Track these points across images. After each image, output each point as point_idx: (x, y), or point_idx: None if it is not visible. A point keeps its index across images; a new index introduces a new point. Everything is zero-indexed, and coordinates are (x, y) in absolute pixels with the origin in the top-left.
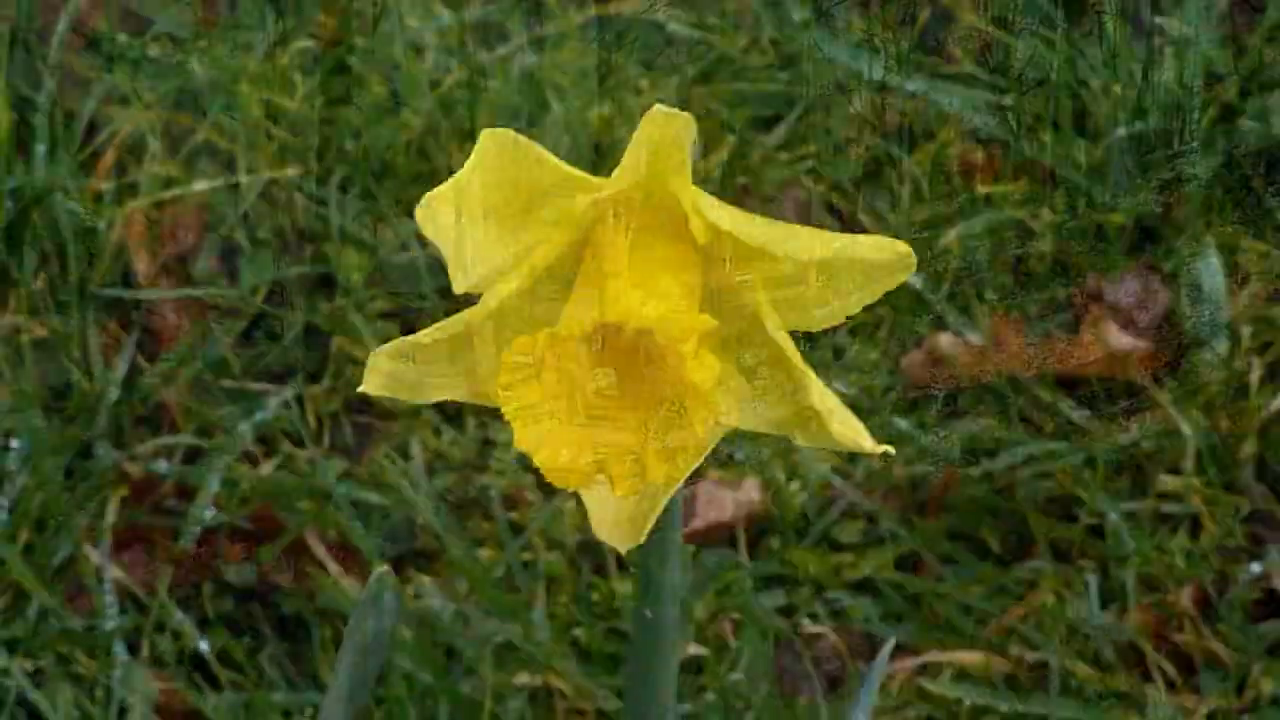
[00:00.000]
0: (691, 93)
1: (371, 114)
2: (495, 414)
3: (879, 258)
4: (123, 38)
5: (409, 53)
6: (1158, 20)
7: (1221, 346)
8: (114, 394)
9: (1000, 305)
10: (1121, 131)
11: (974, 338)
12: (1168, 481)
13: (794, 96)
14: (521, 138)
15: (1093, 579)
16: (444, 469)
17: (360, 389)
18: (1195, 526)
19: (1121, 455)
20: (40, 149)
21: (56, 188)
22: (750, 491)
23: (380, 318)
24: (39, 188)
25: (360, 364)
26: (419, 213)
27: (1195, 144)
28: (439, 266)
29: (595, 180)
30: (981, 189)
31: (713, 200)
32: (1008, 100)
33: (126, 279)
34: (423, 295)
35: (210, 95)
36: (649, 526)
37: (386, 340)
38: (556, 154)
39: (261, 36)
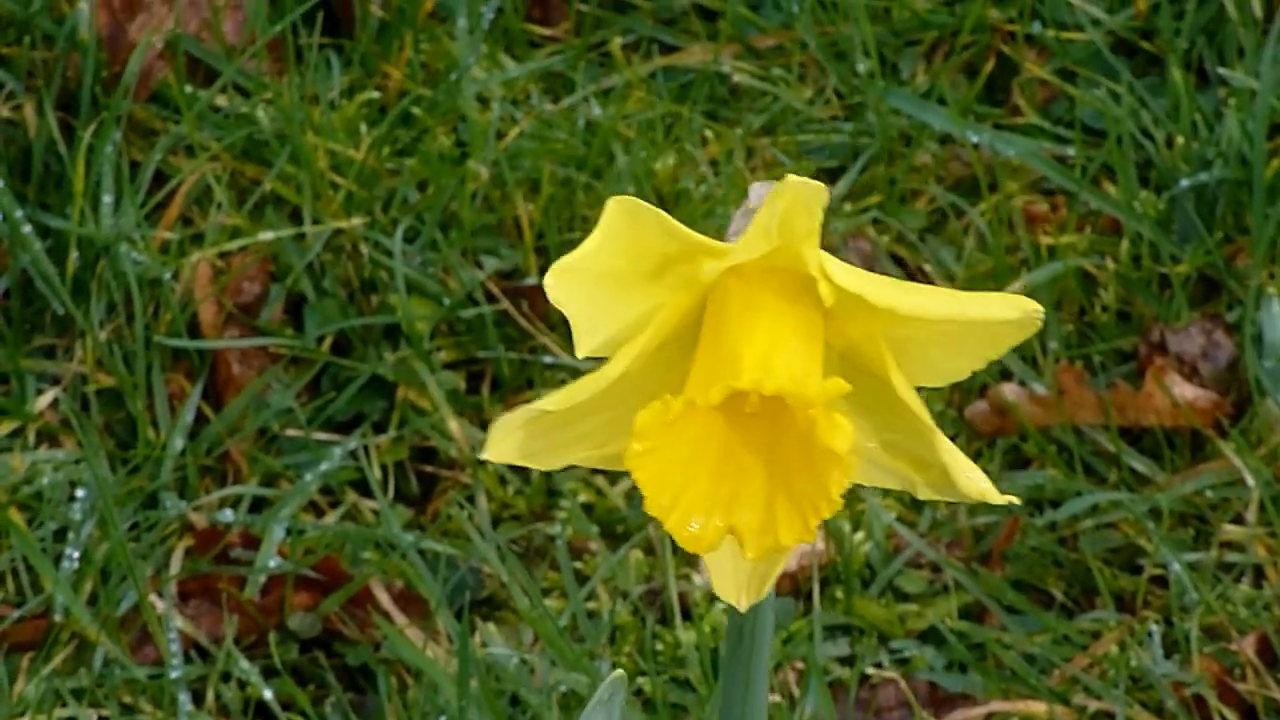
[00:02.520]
0: (756, 143)
1: (437, 164)
2: (569, 470)
3: (1007, 316)
4: (189, 88)
5: (475, 103)
6: (1222, 71)
7: None
8: (179, 444)
9: (1065, 355)
10: (1186, 182)
11: (1038, 388)
12: (1231, 531)
13: (859, 147)
14: (647, 206)
15: (1156, 629)
16: (510, 518)
17: (483, 456)
18: (1258, 576)
19: (1185, 505)
20: (107, 199)
21: (123, 238)
22: (815, 541)
23: (446, 368)
24: (106, 238)
25: (424, 414)
26: (549, 281)
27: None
28: (505, 319)
29: (721, 246)
30: (1046, 239)
31: (837, 262)
32: (1072, 151)
33: (192, 329)
34: (489, 346)
35: (276, 146)
36: (771, 584)
37: (452, 391)
38: None
39: (328, 87)
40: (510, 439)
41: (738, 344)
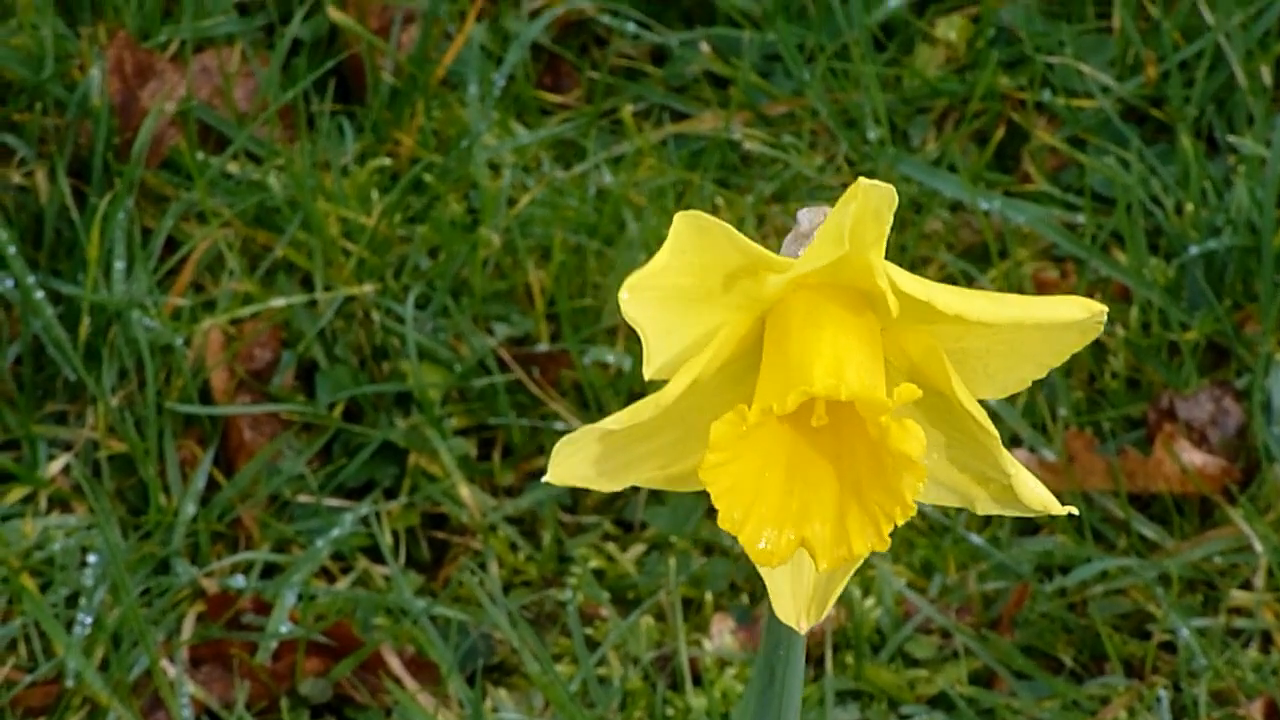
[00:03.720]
0: (767, 211)
1: (449, 231)
2: (573, 530)
3: (1074, 316)
4: (201, 155)
5: (487, 170)
6: (1231, 139)
7: None
8: (191, 510)
9: (1074, 422)
10: (1195, 250)
11: (1048, 454)
12: (1239, 597)
13: None
14: (714, 219)
15: (1165, 694)
16: (521, 585)
17: (546, 479)
18: (1266, 641)
19: (1194, 571)
20: (119, 266)
21: (135, 304)
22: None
23: (457, 435)
24: (117, 304)
25: (436, 480)
26: (624, 297)
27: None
28: (517, 386)
29: (785, 260)
30: None
31: (901, 270)
32: (1082, 218)
33: (204, 395)
34: (500, 413)
35: (288, 212)
36: (830, 604)
37: (463, 458)
38: (630, 272)
39: (340, 154)
40: (573, 460)
41: (806, 354)
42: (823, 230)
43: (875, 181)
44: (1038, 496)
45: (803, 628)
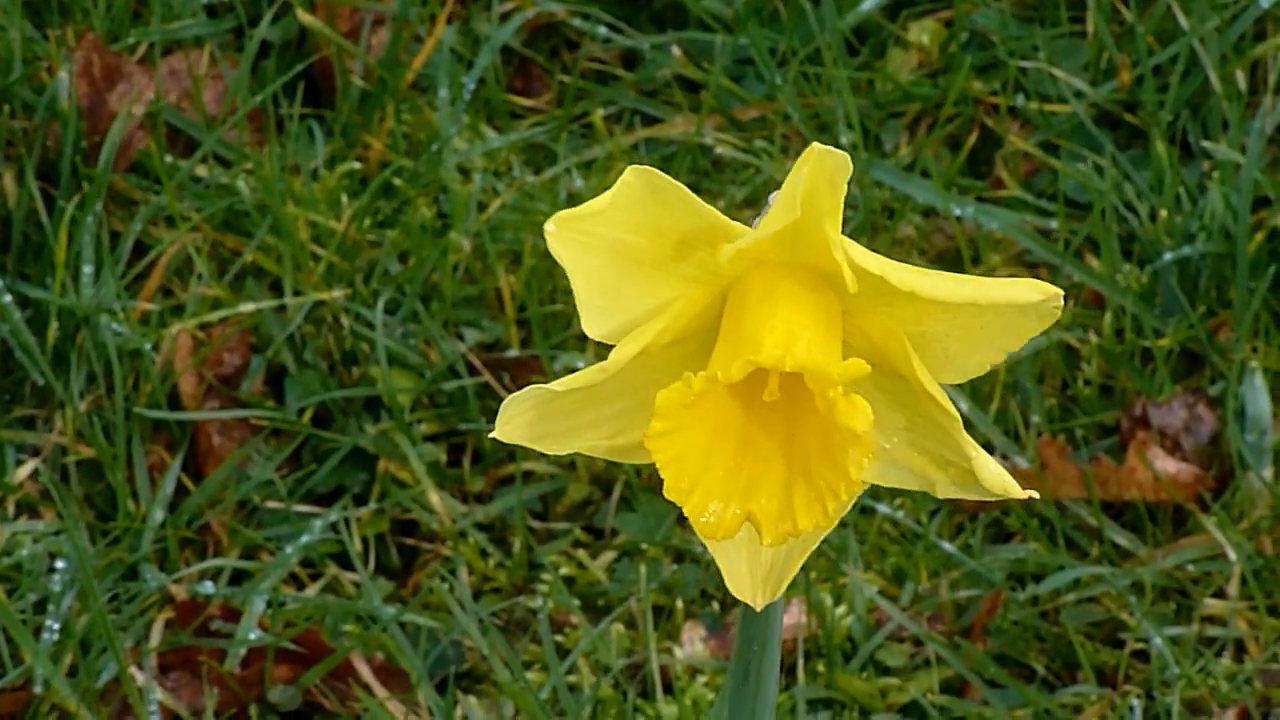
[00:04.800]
0: (739, 216)
1: (418, 236)
2: (543, 536)
3: (1029, 298)
4: (170, 159)
5: (457, 175)
6: (1205, 144)
7: (1267, 471)
8: (159, 515)
9: (1047, 429)
10: (1169, 256)
11: (1021, 461)
12: (1212, 605)
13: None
14: (668, 178)
15: (1137, 703)
16: (491, 591)
17: (493, 435)
18: (1239, 650)
19: (1166, 580)
20: (87, 270)
21: (103, 309)
22: (797, 614)
23: (427, 440)
24: (86, 308)
25: (405, 486)
26: (550, 229)
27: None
28: (487, 391)
29: (742, 227)
30: None
31: (858, 245)
32: (1055, 224)
33: (173, 400)
34: (470, 418)
35: (257, 216)
36: (786, 583)
37: (433, 464)
38: None
39: (309, 158)
40: (519, 420)
41: (759, 327)
42: (777, 197)
43: (829, 147)
44: (998, 480)
45: (758, 605)
